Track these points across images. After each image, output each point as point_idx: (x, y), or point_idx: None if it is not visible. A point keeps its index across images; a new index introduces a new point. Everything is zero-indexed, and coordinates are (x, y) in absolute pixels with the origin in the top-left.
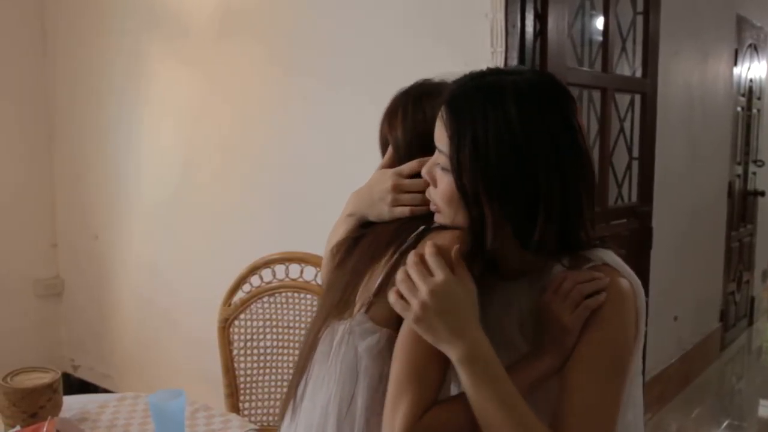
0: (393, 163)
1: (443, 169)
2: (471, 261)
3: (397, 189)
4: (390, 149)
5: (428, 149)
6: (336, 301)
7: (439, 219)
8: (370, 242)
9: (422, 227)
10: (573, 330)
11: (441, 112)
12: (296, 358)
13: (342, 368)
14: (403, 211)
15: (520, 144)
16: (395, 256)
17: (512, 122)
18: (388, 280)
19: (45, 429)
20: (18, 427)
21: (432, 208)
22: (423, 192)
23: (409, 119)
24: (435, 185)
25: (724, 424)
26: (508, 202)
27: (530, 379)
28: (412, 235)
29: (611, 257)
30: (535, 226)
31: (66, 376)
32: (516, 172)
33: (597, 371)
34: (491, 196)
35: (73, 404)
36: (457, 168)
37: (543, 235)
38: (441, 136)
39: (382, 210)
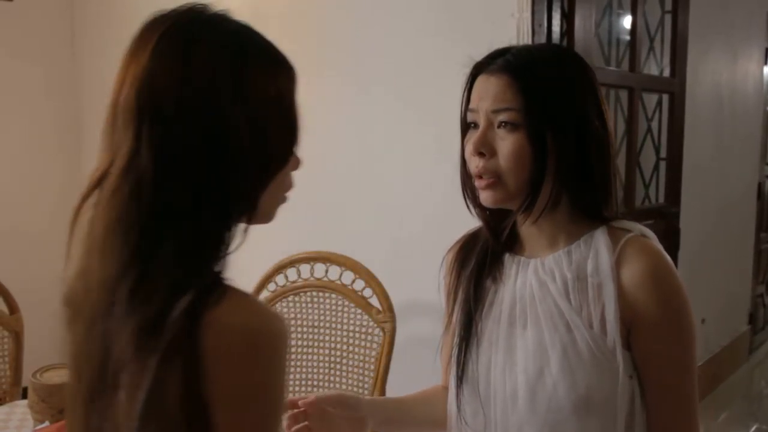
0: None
1: (509, 125)
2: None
3: None
4: None
5: None
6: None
7: (490, 196)
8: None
9: (192, 296)
10: None
11: (498, 74)
12: (320, 356)
13: None
14: None
15: (576, 96)
16: (155, 366)
17: (571, 78)
18: (154, 399)
19: None
20: (47, 423)
21: (483, 184)
22: None
23: None
24: (493, 154)
25: (753, 428)
26: (570, 149)
27: None
28: (174, 317)
29: (647, 230)
30: (588, 181)
31: None
32: (577, 123)
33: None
34: (561, 141)
35: None
36: (535, 115)
37: (592, 191)
38: (504, 95)
39: None
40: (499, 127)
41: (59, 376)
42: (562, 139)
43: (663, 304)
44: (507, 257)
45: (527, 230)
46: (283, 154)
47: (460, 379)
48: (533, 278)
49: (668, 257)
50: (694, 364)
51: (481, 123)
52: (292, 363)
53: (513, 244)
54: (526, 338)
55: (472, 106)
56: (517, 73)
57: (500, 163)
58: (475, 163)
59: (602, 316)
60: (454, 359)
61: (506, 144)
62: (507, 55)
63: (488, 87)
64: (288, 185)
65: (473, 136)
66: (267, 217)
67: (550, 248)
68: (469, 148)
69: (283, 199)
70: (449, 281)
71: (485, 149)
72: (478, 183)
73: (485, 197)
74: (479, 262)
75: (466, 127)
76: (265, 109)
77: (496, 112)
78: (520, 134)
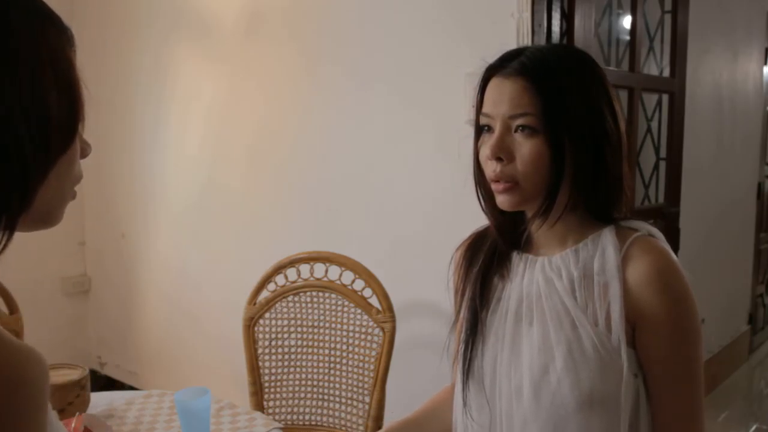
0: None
1: (527, 129)
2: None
3: None
4: None
5: None
6: None
7: (508, 200)
8: None
9: None
10: None
11: (513, 78)
12: (320, 356)
13: None
14: None
15: (592, 97)
16: None
17: (585, 79)
18: None
19: (73, 425)
20: None
21: (500, 188)
22: None
23: None
24: (511, 159)
25: (752, 428)
26: (587, 152)
27: None
28: None
29: (655, 230)
30: (602, 183)
31: (92, 373)
32: (593, 125)
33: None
34: (578, 145)
35: (100, 401)
36: (553, 119)
37: (605, 193)
38: (521, 99)
39: None
40: (516, 131)
41: (60, 376)
42: (579, 142)
43: (667, 304)
44: (515, 255)
45: (540, 231)
46: (63, 135)
47: (466, 374)
48: (540, 276)
49: (674, 257)
50: (699, 364)
51: (498, 128)
52: (293, 363)
53: (522, 242)
54: (532, 335)
55: (486, 110)
56: (533, 76)
57: (518, 168)
58: (491, 168)
59: (607, 314)
60: (460, 355)
61: (525, 149)
62: (521, 57)
63: (504, 91)
64: (75, 177)
65: (489, 141)
66: (50, 219)
67: (558, 247)
68: (486, 152)
69: (71, 195)
70: (457, 278)
71: (503, 154)
72: (495, 187)
73: (502, 201)
74: (487, 260)
75: (479, 129)
76: (34, 76)
77: (514, 117)
78: (538, 139)
